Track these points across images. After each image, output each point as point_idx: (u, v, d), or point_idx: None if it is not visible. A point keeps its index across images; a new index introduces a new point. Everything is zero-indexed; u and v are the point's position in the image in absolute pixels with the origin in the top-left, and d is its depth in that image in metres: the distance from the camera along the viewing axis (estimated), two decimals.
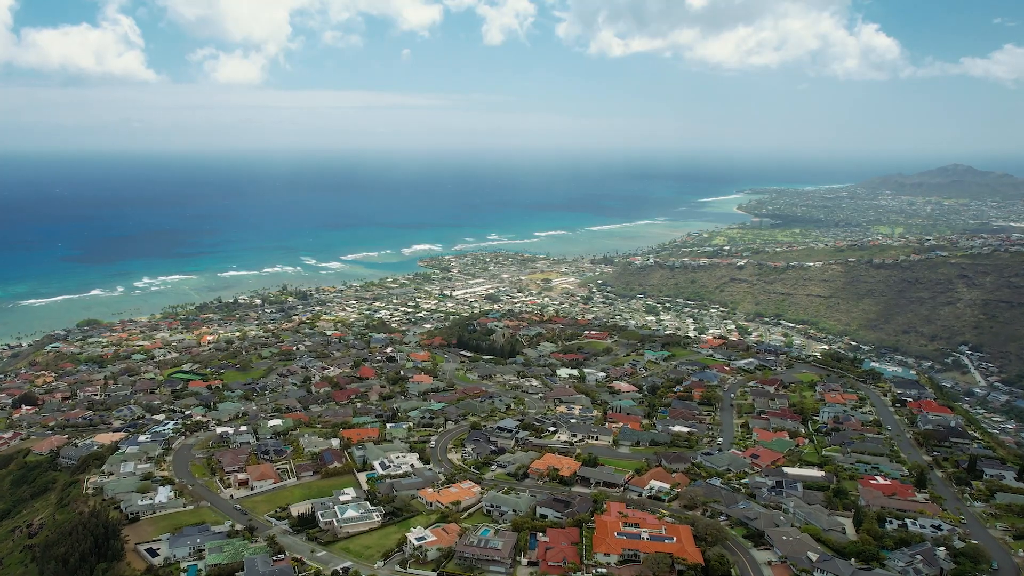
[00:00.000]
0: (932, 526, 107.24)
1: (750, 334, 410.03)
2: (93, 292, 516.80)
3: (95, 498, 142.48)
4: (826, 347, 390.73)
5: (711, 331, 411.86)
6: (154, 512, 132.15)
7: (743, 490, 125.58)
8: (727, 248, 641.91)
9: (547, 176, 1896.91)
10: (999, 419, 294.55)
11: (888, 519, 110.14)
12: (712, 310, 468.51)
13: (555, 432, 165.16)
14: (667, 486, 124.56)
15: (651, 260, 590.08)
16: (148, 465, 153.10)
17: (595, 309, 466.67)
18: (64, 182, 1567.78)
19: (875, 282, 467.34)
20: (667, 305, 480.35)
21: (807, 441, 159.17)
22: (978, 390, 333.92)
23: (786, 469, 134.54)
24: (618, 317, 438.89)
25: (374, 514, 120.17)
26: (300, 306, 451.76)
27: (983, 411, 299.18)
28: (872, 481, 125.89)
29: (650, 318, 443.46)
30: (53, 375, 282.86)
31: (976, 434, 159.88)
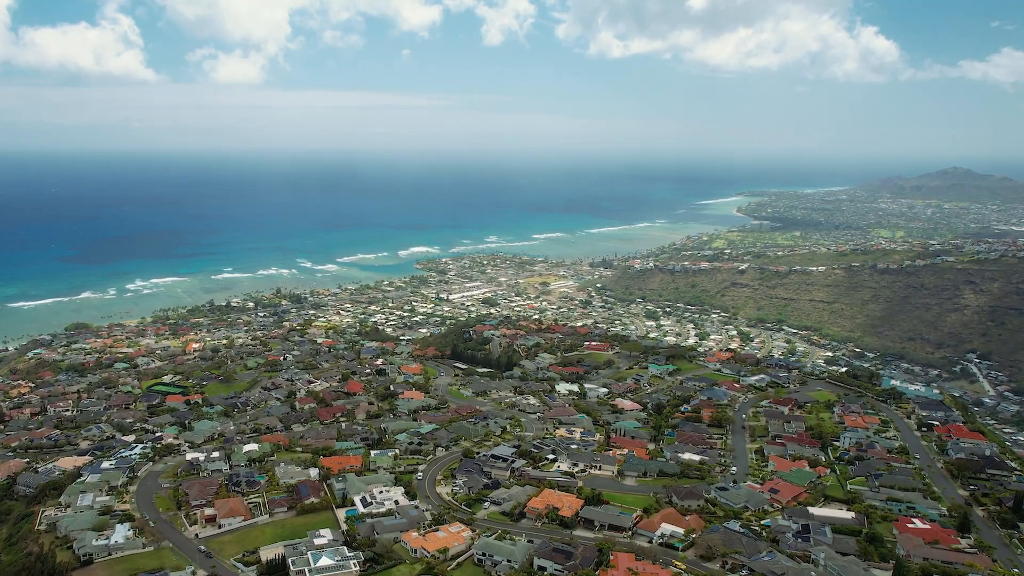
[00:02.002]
0: None
1: (752, 340, 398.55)
2: (84, 294, 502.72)
3: (47, 535, 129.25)
4: (830, 354, 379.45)
5: (712, 337, 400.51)
6: (109, 554, 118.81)
7: (765, 534, 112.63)
8: (727, 252, 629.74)
9: (546, 177, 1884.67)
10: (1010, 430, 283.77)
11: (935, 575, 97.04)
12: (713, 315, 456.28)
13: (554, 460, 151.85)
14: (681, 531, 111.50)
15: (651, 264, 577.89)
16: (108, 498, 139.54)
17: (594, 314, 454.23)
18: (62, 182, 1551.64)
19: (879, 287, 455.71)
20: (667, 310, 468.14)
21: (828, 471, 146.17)
22: (987, 400, 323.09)
23: (812, 509, 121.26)
24: (617, 322, 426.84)
25: (351, 562, 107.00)
26: (294, 310, 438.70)
27: (993, 422, 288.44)
28: (910, 524, 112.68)
29: (650, 323, 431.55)
30: (29, 386, 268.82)
31: (1014, 464, 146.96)
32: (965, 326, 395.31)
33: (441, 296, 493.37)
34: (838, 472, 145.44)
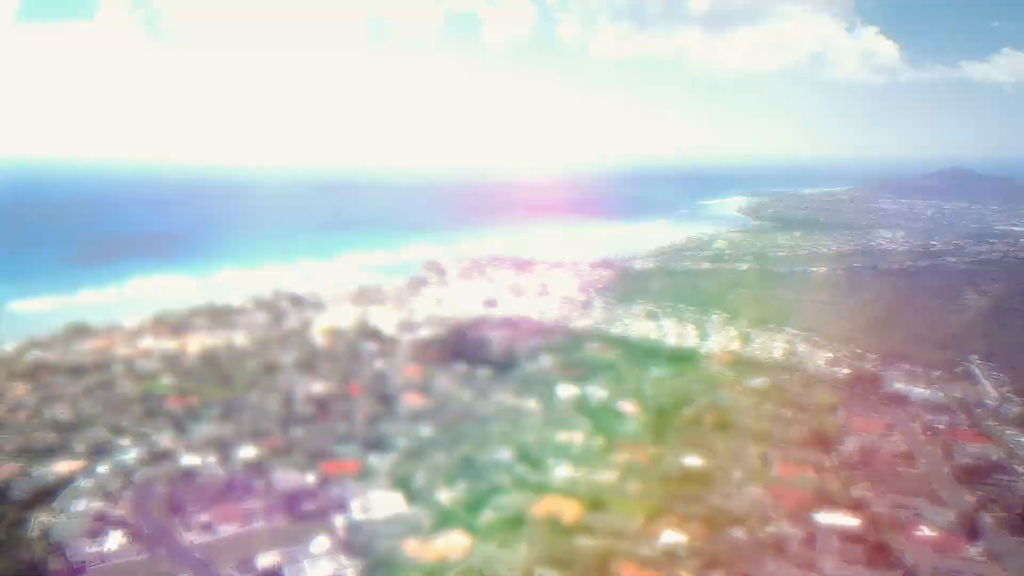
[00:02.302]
0: None
1: (753, 341, 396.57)
2: (84, 294, 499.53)
3: (40, 542, 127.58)
4: (832, 355, 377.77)
5: (713, 338, 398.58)
6: (103, 562, 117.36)
7: (769, 542, 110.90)
8: (728, 252, 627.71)
9: (546, 177, 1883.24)
10: (1012, 431, 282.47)
11: None
12: (714, 316, 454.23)
13: (555, 465, 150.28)
14: (684, 539, 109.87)
15: (651, 264, 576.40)
16: (102, 503, 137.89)
17: (594, 315, 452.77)
18: (62, 182, 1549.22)
19: (881, 288, 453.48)
20: (668, 311, 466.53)
21: (832, 476, 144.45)
22: (989, 401, 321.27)
23: (816, 516, 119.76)
24: (618, 323, 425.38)
25: (348, 570, 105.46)
26: (294, 310, 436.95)
27: (996, 424, 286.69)
28: (917, 532, 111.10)
29: (650, 324, 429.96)
30: (25, 388, 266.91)
31: (1021, 468, 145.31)
32: (967, 327, 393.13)
33: (441, 297, 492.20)
34: (842, 477, 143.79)
